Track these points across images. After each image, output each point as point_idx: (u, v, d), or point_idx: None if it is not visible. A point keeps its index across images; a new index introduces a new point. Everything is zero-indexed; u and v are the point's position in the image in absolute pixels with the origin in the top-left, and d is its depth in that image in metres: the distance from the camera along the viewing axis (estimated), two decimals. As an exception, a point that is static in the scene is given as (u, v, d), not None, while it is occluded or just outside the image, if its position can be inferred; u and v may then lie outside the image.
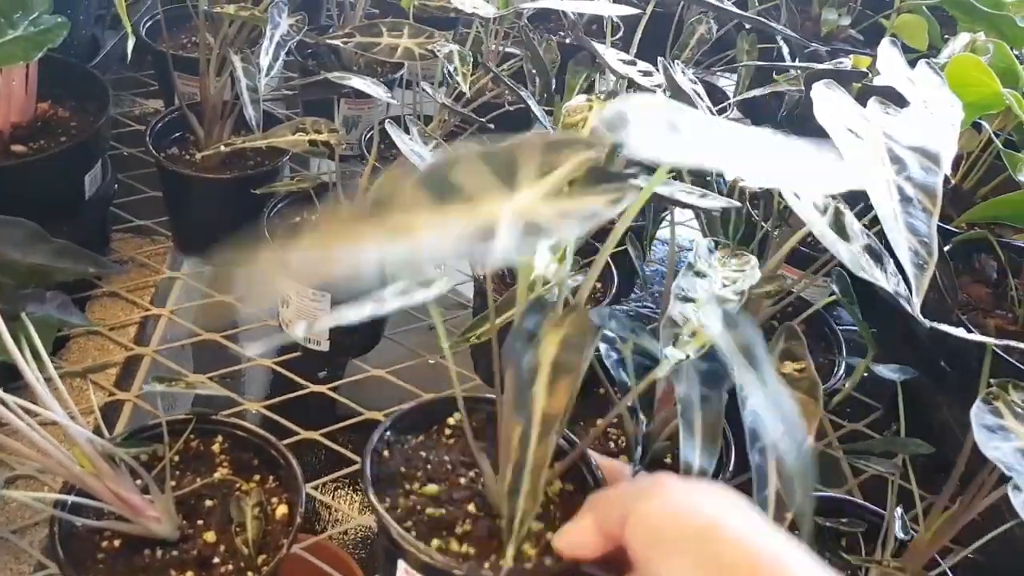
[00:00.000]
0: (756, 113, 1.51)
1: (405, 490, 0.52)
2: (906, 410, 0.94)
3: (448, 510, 0.50)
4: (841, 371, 0.79)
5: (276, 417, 0.82)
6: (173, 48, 1.15)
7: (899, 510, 0.64)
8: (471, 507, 0.50)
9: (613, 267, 0.91)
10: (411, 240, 0.31)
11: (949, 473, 0.59)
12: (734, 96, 1.18)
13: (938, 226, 1.04)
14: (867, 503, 0.68)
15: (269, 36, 0.82)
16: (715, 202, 0.58)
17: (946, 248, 0.97)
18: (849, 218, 0.58)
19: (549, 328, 0.43)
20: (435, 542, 0.47)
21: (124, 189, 1.08)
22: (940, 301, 0.89)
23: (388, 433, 0.55)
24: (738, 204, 0.57)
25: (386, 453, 0.54)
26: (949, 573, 0.63)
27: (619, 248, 0.86)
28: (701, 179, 0.90)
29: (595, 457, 0.52)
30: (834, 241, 0.54)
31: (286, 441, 0.78)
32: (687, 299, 0.56)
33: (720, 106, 1.06)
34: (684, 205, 0.55)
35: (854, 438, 0.94)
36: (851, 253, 0.55)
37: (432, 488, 0.52)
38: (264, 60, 0.80)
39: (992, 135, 1.03)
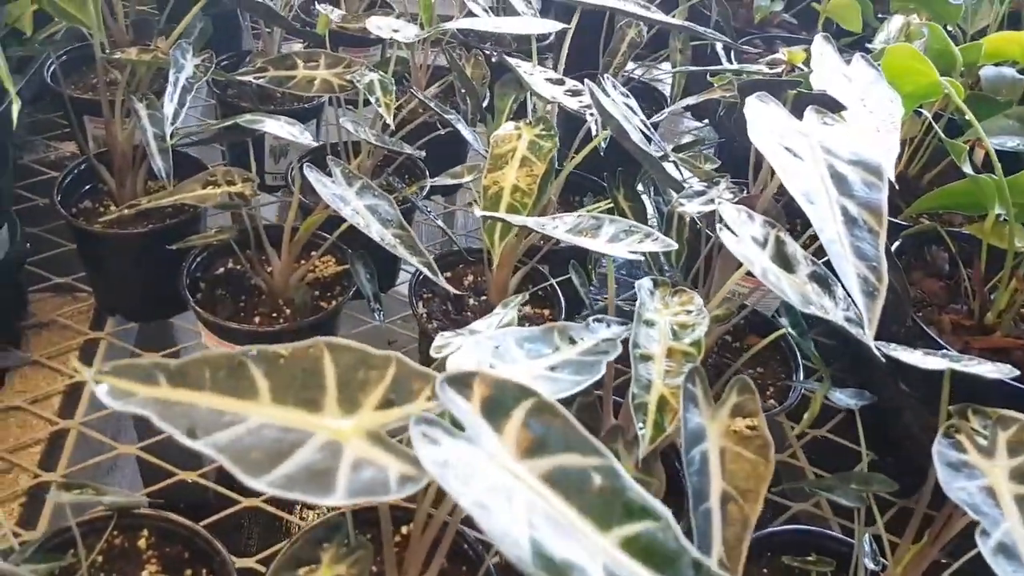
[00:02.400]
0: (698, 110, 1.49)
1: None
2: (870, 413, 0.92)
3: None
4: (796, 395, 0.76)
5: (219, 488, 0.77)
6: (82, 90, 1.08)
7: (867, 539, 0.62)
8: None
9: (560, 293, 0.88)
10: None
11: (916, 476, 0.57)
12: (671, 101, 1.15)
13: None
14: (835, 533, 0.65)
15: (173, 81, 0.77)
16: (654, 244, 0.55)
17: (896, 243, 0.95)
18: (791, 247, 0.55)
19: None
20: None
21: (42, 244, 1.01)
22: (896, 304, 0.87)
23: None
24: (675, 246, 0.54)
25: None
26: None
27: (566, 276, 0.83)
28: (639, 203, 0.87)
29: None
30: (777, 278, 0.51)
31: (229, 511, 0.73)
32: (646, 357, 0.52)
33: (664, 112, 1.03)
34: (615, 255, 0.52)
35: (819, 444, 0.92)
36: (795, 287, 0.52)
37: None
38: (169, 108, 0.75)
39: (932, 123, 1.01)
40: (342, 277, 0.88)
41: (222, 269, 0.85)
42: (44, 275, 0.97)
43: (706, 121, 1.46)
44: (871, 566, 0.61)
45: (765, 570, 0.64)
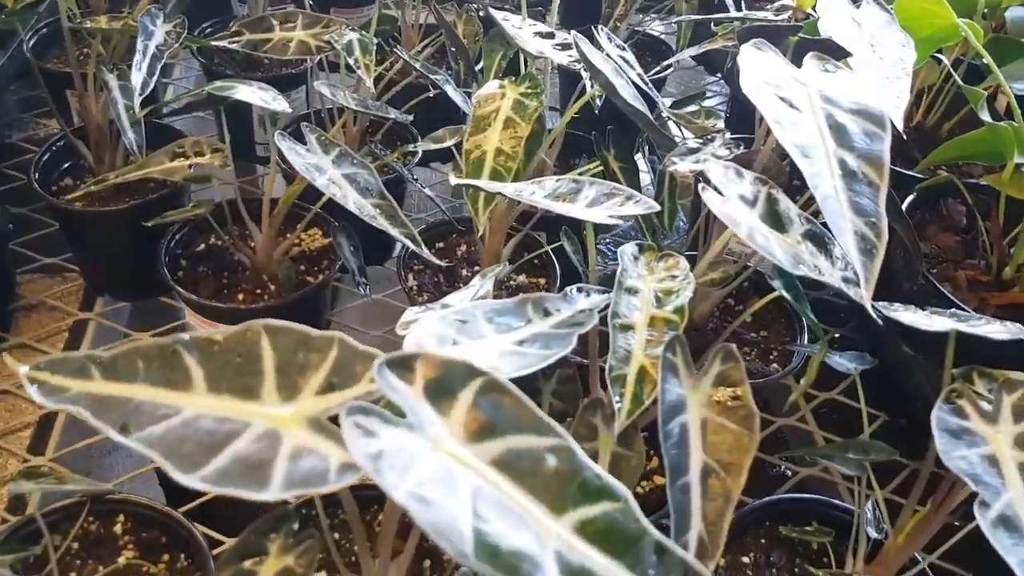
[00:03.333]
0: (709, 63, 1.43)
1: None
2: (880, 375, 0.89)
3: None
4: (799, 359, 0.73)
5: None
6: (63, 64, 1.06)
7: (869, 506, 0.59)
8: None
9: (555, 260, 0.84)
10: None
11: (925, 437, 0.54)
12: (677, 52, 1.10)
13: (901, 172, 0.98)
14: (838, 502, 0.62)
15: (141, 49, 0.74)
16: (636, 207, 0.51)
17: (910, 197, 0.90)
18: (784, 204, 0.51)
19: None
20: None
21: (29, 224, 1.00)
22: (907, 260, 0.82)
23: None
24: (657, 207, 0.50)
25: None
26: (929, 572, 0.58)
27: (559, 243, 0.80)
28: (632, 164, 0.83)
29: None
30: (766, 240, 0.47)
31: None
32: (626, 327, 0.49)
33: (663, 64, 0.98)
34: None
35: (829, 407, 0.89)
36: (787, 247, 0.48)
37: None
38: (137, 77, 0.72)
39: (951, 69, 0.95)
40: (330, 250, 0.85)
41: (203, 245, 0.82)
42: (32, 256, 0.96)
43: (719, 75, 1.40)
44: (874, 534, 0.58)
45: (763, 541, 0.61)
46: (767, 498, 0.63)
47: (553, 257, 0.85)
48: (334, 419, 0.34)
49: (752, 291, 0.84)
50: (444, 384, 0.33)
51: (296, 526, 0.40)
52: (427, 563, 0.58)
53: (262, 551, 0.39)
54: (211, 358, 0.36)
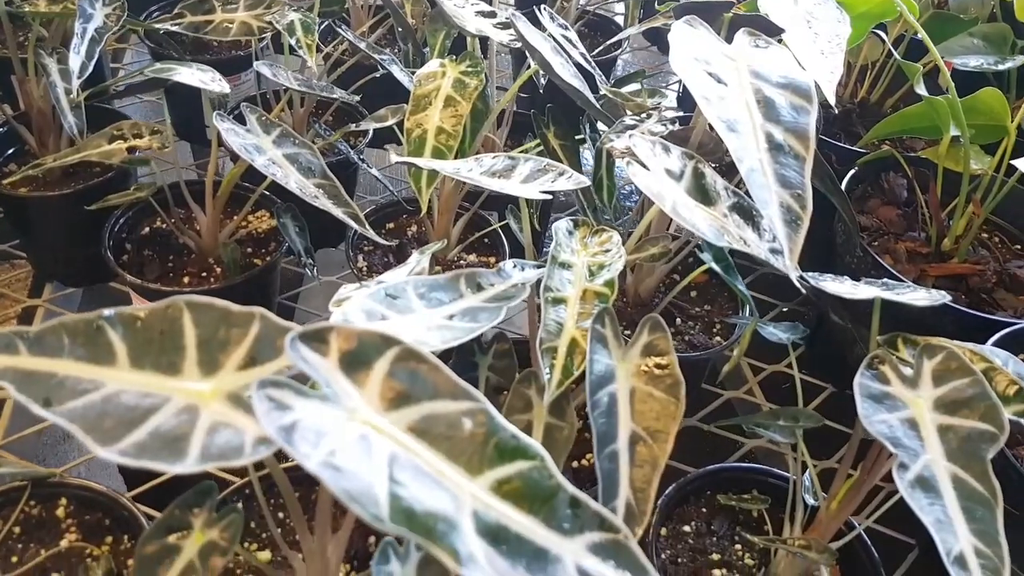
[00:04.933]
0: (661, 41, 1.44)
1: None
2: (826, 344, 0.90)
3: None
4: (739, 332, 0.74)
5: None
6: (3, 48, 1.03)
7: (807, 476, 0.61)
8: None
9: (504, 239, 0.85)
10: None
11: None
12: (625, 28, 1.11)
13: (845, 147, 1.00)
14: (775, 470, 0.64)
15: (80, 32, 0.73)
16: (567, 182, 0.52)
17: (852, 171, 0.92)
18: (710, 178, 0.52)
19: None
20: None
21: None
22: (846, 234, 0.84)
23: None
24: (587, 182, 0.51)
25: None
26: (864, 536, 0.60)
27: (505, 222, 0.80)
28: (573, 142, 0.83)
29: None
30: (690, 214, 0.48)
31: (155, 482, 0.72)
32: (558, 300, 0.50)
33: (607, 44, 0.99)
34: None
35: (777, 379, 0.90)
36: (711, 223, 0.49)
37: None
38: (75, 61, 0.71)
39: (890, 46, 0.97)
40: (277, 232, 0.85)
41: (148, 229, 0.82)
42: (-22, 244, 0.95)
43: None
44: (811, 501, 0.59)
45: (704, 509, 0.63)
46: (707, 467, 0.64)
47: (503, 236, 0.85)
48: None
49: (697, 266, 0.85)
50: (359, 355, 0.34)
51: (218, 501, 0.41)
52: (372, 539, 0.59)
53: (187, 525, 0.39)
54: (134, 334, 0.36)
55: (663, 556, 0.59)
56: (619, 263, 0.51)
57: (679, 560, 0.59)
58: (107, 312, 0.36)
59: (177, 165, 0.74)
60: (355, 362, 0.33)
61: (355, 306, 0.43)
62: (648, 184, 0.47)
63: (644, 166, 0.49)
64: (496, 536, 0.30)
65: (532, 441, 0.32)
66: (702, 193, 0.51)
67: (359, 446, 0.31)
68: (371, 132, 0.95)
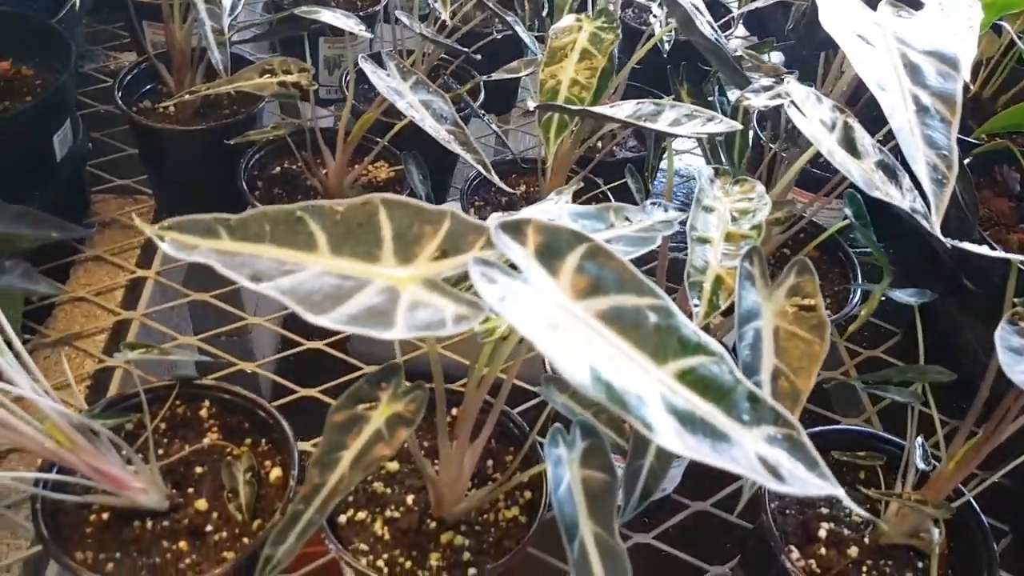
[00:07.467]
0: (763, 27, 1.44)
1: None
2: (927, 333, 0.90)
3: None
4: (857, 297, 0.75)
5: (273, 376, 0.80)
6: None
7: (919, 440, 0.61)
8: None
9: (612, 200, 0.87)
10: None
11: (972, 397, 0.56)
12: (739, 8, 1.11)
13: (958, 138, 0.99)
14: (887, 434, 0.64)
15: (231, -29, 0.77)
16: (718, 126, 0.53)
17: (966, 161, 0.91)
18: (859, 133, 0.53)
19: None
20: None
21: (103, 148, 1.04)
22: (961, 218, 0.84)
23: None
24: (740, 126, 0.52)
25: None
26: (973, 503, 0.60)
27: (620, 181, 0.82)
28: (703, 101, 0.85)
29: None
30: (844, 159, 0.49)
31: (284, 400, 0.76)
32: (703, 240, 0.52)
33: (722, 21, 0.99)
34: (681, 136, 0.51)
35: (873, 365, 0.90)
36: (862, 171, 0.50)
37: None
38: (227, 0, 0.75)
39: (1015, 37, 0.96)
40: (395, 181, 0.88)
41: (278, 169, 0.86)
42: (106, 177, 1.00)
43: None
44: (922, 465, 0.60)
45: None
46: (814, 428, 0.65)
47: (612, 199, 0.87)
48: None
49: (805, 242, 0.86)
50: (552, 247, 0.36)
51: (404, 380, 0.43)
52: (490, 462, 0.61)
53: (374, 399, 0.42)
54: (333, 225, 0.38)
55: (772, 505, 0.60)
56: (764, 210, 0.52)
57: (787, 511, 0.61)
58: (307, 203, 0.39)
59: (313, 106, 0.78)
60: (549, 253, 0.36)
61: (530, 212, 0.45)
62: (807, 128, 0.48)
63: (800, 111, 0.50)
64: (682, 417, 0.32)
65: (712, 339, 0.34)
66: (851, 146, 0.52)
67: (558, 325, 0.33)
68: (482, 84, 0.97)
